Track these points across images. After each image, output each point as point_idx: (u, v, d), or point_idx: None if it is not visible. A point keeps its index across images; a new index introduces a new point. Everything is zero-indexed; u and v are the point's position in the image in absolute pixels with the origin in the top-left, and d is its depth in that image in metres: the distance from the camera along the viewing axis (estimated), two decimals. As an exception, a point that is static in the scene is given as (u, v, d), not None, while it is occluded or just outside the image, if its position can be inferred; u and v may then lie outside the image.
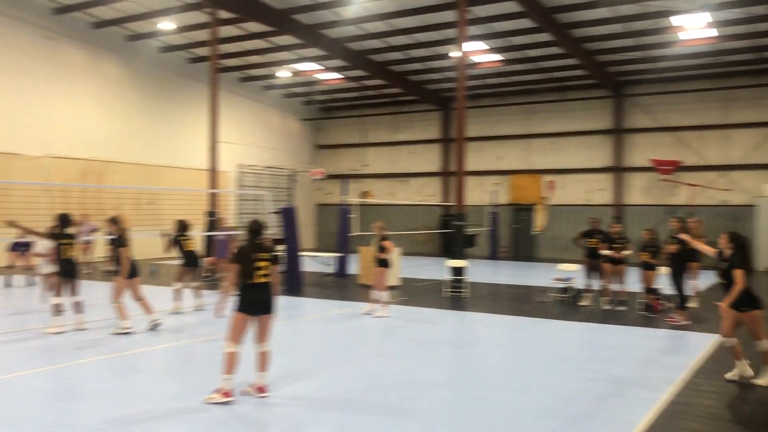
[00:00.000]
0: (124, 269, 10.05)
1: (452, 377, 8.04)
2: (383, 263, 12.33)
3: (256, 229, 6.93)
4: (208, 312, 12.52)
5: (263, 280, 6.73)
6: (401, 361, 8.56)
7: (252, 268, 6.66)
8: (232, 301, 6.77)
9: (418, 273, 21.25)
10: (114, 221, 10.25)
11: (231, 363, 6.55)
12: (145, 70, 26.48)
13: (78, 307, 10.36)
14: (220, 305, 6.94)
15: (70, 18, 23.15)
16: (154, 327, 10.34)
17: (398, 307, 13.53)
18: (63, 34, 23.16)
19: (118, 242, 10.12)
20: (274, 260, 6.91)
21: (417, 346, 9.56)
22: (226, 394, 6.47)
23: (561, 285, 14.86)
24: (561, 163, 30.46)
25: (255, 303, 6.69)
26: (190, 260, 12.72)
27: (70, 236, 10.44)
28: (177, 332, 10.51)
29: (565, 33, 22.31)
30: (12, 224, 10.95)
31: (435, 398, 6.88)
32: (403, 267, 19.57)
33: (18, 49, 21.72)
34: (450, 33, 22.42)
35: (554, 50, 24.44)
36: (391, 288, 16.45)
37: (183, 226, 12.82)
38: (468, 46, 21.11)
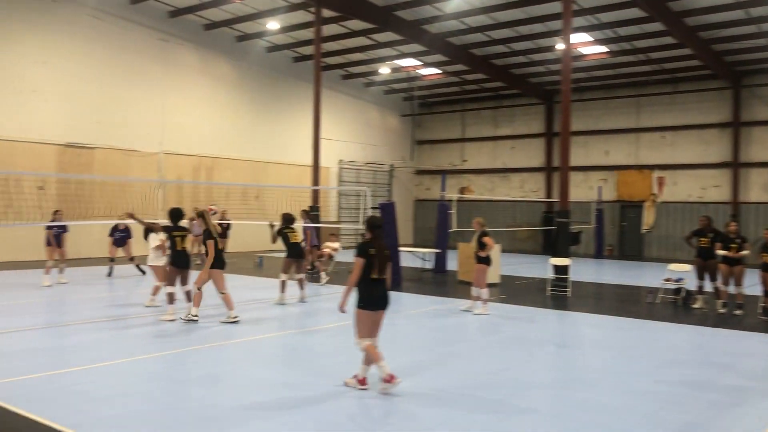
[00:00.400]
0: (209, 260, 10.35)
1: (554, 377, 7.83)
2: (483, 260, 12.09)
3: (377, 224, 6.89)
4: (311, 303, 12.83)
5: (383, 276, 6.76)
6: (502, 359, 8.43)
7: (373, 263, 6.67)
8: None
9: (519, 271, 20.87)
10: (200, 215, 10.61)
11: (373, 353, 6.62)
12: (252, 69, 27.43)
13: (189, 296, 10.87)
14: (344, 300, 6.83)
15: (183, 20, 24.32)
16: (231, 322, 10.39)
17: (498, 304, 13.35)
18: (177, 36, 24.36)
19: (206, 235, 10.42)
20: (390, 257, 6.94)
21: (518, 345, 9.38)
22: (362, 382, 6.73)
23: (672, 286, 14.16)
24: (672, 159, 29.00)
25: (379, 298, 6.72)
26: (295, 253, 13.02)
27: (183, 229, 10.95)
28: (282, 322, 10.83)
29: (678, 22, 21.21)
30: (131, 216, 11.65)
31: (537, 398, 6.72)
32: (504, 264, 19.28)
33: (136, 51, 23.05)
34: (555, 25, 21.85)
35: (666, 40, 23.29)
36: (491, 285, 16.26)
37: (289, 220, 13.20)
38: (573, 37, 20.47)
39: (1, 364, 7.59)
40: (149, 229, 11.40)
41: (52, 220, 14.76)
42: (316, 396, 6.56)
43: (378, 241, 6.79)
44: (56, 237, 14.79)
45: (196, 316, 10.39)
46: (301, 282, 13.22)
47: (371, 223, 6.89)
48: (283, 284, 12.80)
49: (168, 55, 24.14)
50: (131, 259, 16.55)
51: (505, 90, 32.67)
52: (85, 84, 21.68)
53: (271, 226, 13.06)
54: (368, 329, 6.71)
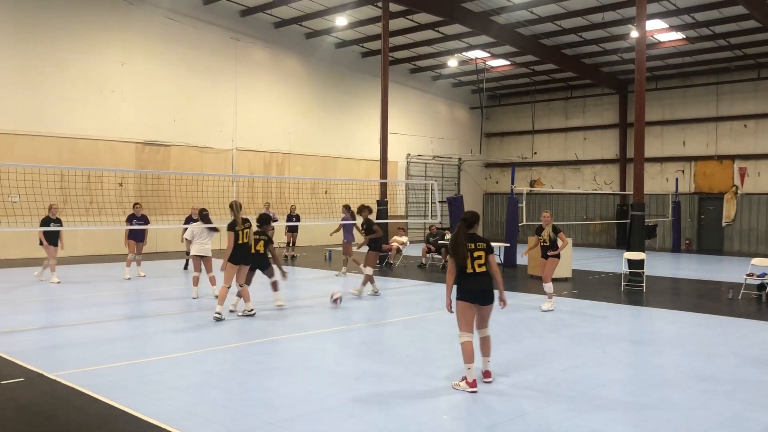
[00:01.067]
0: (227, 252, 10.32)
1: (629, 375, 7.59)
2: (556, 255, 11.82)
3: (469, 219, 6.92)
4: (386, 295, 12.89)
5: (480, 269, 6.77)
6: (574, 356, 8.24)
7: (465, 257, 6.73)
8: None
9: (592, 265, 20.36)
10: (231, 207, 10.68)
11: (468, 352, 6.62)
12: (321, 65, 27.75)
13: (274, 286, 11.21)
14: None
15: (254, 19, 24.82)
16: (246, 315, 10.50)
17: (570, 299, 13.06)
18: (248, 34, 24.89)
19: (230, 226, 10.43)
20: (490, 250, 6.91)
21: (591, 341, 9.15)
22: (471, 384, 6.52)
23: (755, 281, 13.52)
24: (755, 148, 27.64)
25: (472, 291, 6.74)
26: (378, 246, 13.50)
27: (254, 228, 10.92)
28: (354, 314, 10.92)
29: (761, 4, 20.18)
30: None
31: (611, 396, 6.53)
32: (576, 259, 18.86)
33: (209, 49, 23.68)
34: (629, 12, 21.20)
35: (748, 24, 22.21)
36: (563, 280, 15.93)
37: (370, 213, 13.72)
38: (648, 24, 19.77)
39: (85, 353, 7.96)
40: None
41: (133, 214, 15.29)
42: (421, 389, 6.58)
43: (469, 236, 6.82)
44: (136, 231, 15.25)
45: (251, 310, 10.61)
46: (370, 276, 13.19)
47: (463, 218, 6.97)
48: (369, 278, 12.91)
49: (239, 53, 24.69)
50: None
51: (577, 80, 31.91)
52: (161, 83, 22.44)
53: (364, 224, 13.48)
54: (466, 322, 6.74)
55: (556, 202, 33.37)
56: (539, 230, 12.04)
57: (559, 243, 11.76)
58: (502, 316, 11.07)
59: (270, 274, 11.26)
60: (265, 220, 11.00)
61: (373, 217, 14.23)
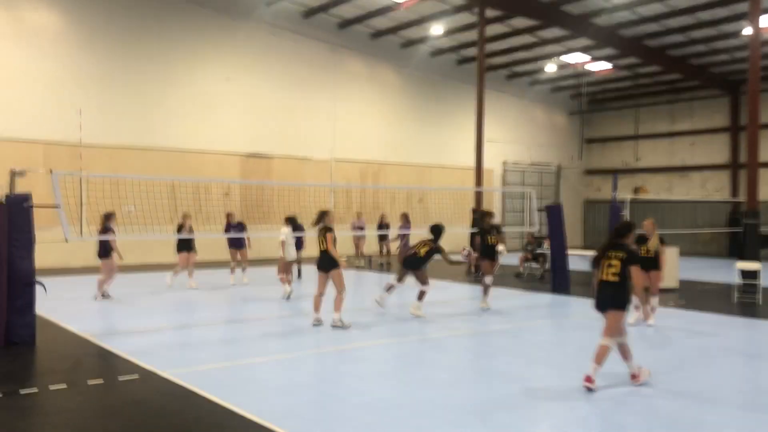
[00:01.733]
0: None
1: (743, 391, 7.16)
2: (656, 265, 10.90)
3: (618, 229, 7.35)
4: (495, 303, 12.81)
5: (611, 278, 7.04)
6: (682, 369, 7.87)
7: (601, 265, 7.16)
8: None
9: (701, 275, 19.35)
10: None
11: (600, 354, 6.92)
12: (416, 74, 27.94)
13: (421, 296, 11.50)
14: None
15: (351, 31, 25.34)
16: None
17: (678, 311, 12.48)
18: (345, 46, 25.44)
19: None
20: (629, 260, 7.01)
21: (700, 354, 8.71)
22: (588, 380, 6.78)
23: None
24: None
25: (596, 299, 7.17)
26: (491, 254, 12.57)
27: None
28: (457, 321, 10.90)
29: None
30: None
31: (723, 414, 6.19)
32: (684, 269, 17.98)
33: (308, 62, 24.38)
34: (741, 7, 20.08)
35: None
36: (670, 291, 15.23)
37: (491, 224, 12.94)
38: (763, 20, 18.67)
39: (193, 353, 8.37)
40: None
41: (228, 222, 15.79)
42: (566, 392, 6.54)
43: (612, 245, 7.27)
44: (235, 239, 15.70)
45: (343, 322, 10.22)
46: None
47: (615, 227, 7.51)
48: (487, 288, 12.41)
49: (337, 64, 25.26)
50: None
51: (683, 82, 30.51)
52: (264, 96, 23.30)
53: (492, 230, 12.78)
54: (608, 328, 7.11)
55: (662, 210, 31.90)
56: (641, 239, 10.89)
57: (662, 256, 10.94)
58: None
59: (423, 281, 11.46)
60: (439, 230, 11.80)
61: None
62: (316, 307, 10.32)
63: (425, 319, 11.04)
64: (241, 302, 13.29)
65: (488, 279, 12.42)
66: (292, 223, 13.83)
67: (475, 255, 12.75)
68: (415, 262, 11.66)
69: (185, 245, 14.92)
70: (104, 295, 13.19)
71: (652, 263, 10.82)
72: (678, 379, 7.32)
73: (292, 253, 13.61)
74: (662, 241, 11.03)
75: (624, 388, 6.90)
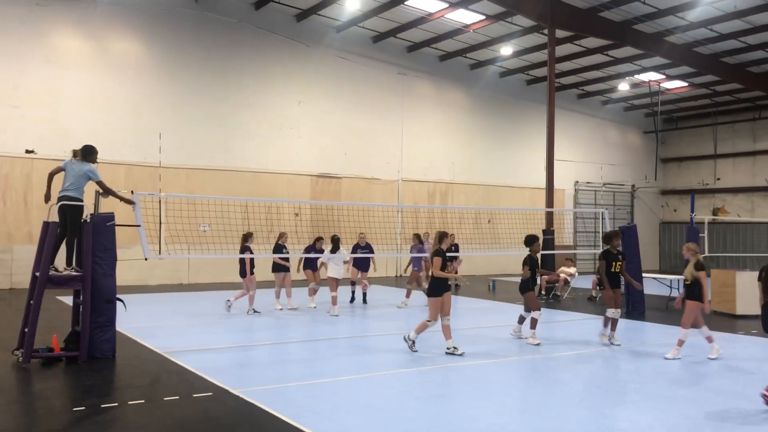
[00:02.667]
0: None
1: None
2: (696, 296, 9.71)
3: None
4: (554, 329, 12.54)
5: None
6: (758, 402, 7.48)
7: None
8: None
9: (786, 301, 18.37)
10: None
11: None
12: (484, 95, 27.88)
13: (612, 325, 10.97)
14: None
15: (420, 54, 25.57)
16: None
17: (761, 339, 11.90)
18: (414, 68, 25.67)
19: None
20: None
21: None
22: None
23: None
24: None
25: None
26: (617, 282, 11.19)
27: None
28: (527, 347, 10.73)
29: None
30: None
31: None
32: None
33: (377, 85, 24.71)
34: (826, 22, 19.22)
35: None
36: (746, 318, 14.53)
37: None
38: None
39: (266, 372, 8.54)
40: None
41: (312, 245, 15.22)
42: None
43: None
44: (312, 261, 15.25)
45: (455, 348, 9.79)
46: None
47: None
48: (607, 320, 11.08)
49: (406, 87, 25.50)
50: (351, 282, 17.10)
51: (765, 99, 29.29)
52: (334, 119, 23.72)
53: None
54: None
55: (743, 231, 30.62)
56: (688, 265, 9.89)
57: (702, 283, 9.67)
58: (684, 351, 10.34)
59: (528, 306, 11.22)
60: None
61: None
62: (447, 335, 9.76)
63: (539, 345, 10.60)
64: (311, 321, 13.46)
65: (611, 312, 10.86)
66: (334, 243, 14.12)
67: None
68: (520, 287, 11.34)
69: (282, 266, 14.62)
70: (256, 311, 13.94)
71: (689, 293, 9.79)
72: (763, 412, 6.96)
73: (332, 271, 14.01)
74: (700, 266, 9.75)
75: (703, 419, 6.60)
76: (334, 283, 14.06)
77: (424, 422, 6.42)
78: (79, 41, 19.38)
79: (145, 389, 7.60)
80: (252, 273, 13.88)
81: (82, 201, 9.19)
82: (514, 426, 6.36)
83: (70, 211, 9.07)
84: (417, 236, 16.38)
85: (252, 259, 13.92)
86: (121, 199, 9.54)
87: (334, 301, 14.00)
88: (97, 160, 9.56)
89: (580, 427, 6.34)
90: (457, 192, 26.87)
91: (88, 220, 9.25)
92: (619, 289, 11.06)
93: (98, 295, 9.15)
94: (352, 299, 16.22)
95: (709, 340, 9.84)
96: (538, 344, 10.56)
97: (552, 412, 6.92)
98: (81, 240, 9.28)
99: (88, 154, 9.33)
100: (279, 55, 22.59)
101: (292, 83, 22.93)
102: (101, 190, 9.53)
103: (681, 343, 9.69)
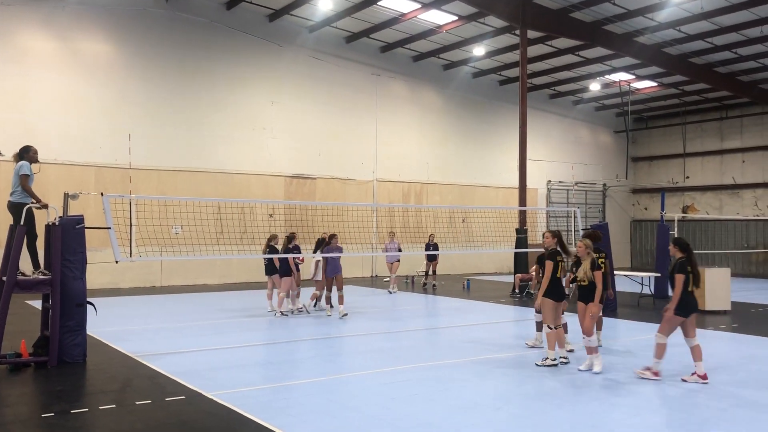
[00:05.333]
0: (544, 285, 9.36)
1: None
2: (591, 297, 8.93)
3: (683, 244, 8.33)
4: (528, 327, 12.62)
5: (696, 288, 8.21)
6: (735, 395, 7.62)
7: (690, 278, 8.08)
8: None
9: (754, 297, 18.77)
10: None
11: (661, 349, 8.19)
12: (458, 95, 28.00)
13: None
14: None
15: (394, 54, 25.59)
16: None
17: (730, 334, 12.12)
18: (387, 69, 25.68)
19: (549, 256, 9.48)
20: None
21: (752, 379, 8.42)
22: (656, 374, 8.13)
23: None
24: None
25: (693, 306, 8.22)
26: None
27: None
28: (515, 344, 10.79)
29: None
30: None
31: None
32: (736, 290, 17.50)
33: (351, 85, 24.68)
34: (791, 23, 19.65)
35: None
36: (720, 313, 14.81)
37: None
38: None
39: (239, 375, 8.47)
40: None
41: (291, 244, 14.44)
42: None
43: (692, 259, 8.23)
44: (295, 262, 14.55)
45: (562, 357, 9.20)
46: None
47: (682, 244, 8.35)
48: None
49: (379, 88, 25.50)
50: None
51: (732, 99, 29.87)
52: (307, 120, 23.63)
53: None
54: (672, 329, 8.24)
55: (713, 229, 31.18)
56: (576, 264, 9.21)
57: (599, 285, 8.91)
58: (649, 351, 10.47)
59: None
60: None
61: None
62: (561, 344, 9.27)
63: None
64: (288, 324, 13.39)
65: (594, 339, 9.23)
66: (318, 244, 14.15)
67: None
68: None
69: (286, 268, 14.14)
70: (283, 313, 13.84)
71: (587, 294, 8.95)
72: (731, 407, 7.09)
73: (318, 273, 14.01)
74: (595, 265, 8.93)
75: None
76: (330, 282, 13.91)
77: (400, 423, 6.43)
78: (47, 41, 19.03)
79: (117, 394, 7.50)
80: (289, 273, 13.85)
81: (25, 202, 9.15)
82: (489, 424, 6.39)
83: (15, 214, 9.10)
84: (393, 234, 17.56)
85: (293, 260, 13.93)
86: (36, 200, 9.32)
87: (328, 300, 14.05)
88: (38, 159, 9.57)
89: (559, 425, 6.40)
90: (431, 192, 26.95)
91: (57, 223, 9.10)
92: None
93: (68, 299, 9.01)
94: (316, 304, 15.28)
95: (589, 351, 8.74)
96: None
97: (528, 410, 6.98)
98: (34, 241, 9.36)
99: (23, 152, 9.42)
100: (251, 56, 22.44)
101: (265, 84, 22.80)
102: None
103: (593, 350, 8.71)
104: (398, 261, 19.50)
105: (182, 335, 11.59)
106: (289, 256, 13.84)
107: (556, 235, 9.52)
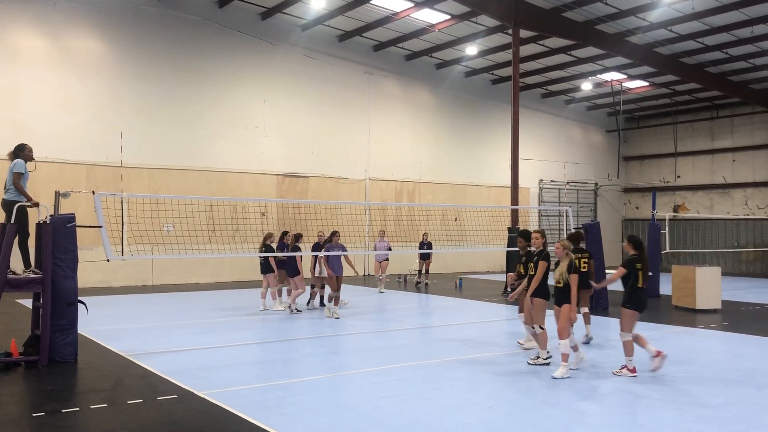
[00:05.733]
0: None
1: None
2: (567, 299, 8.59)
3: (637, 242, 8.66)
4: (518, 324, 12.64)
5: (645, 285, 8.55)
6: (726, 393, 7.67)
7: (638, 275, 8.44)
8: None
9: (745, 296, 18.88)
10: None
11: (642, 340, 8.51)
12: (450, 94, 28.02)
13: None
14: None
15: (386, 53, 25.58)
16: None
17: (720, 332, 12.19)
18: (380, 68, 25.67)
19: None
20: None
21: (746, 378, 8.48)
22: (633, 371, 8.35)
23: None
24: None
25: (644, 302, 8.56)
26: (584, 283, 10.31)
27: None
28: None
29: None
30: None
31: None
32: (726, 289, 17.60)
33: (344, 84, 24.66)
34: (781, 23, 19.78)
35: None
36: (710, 312, 14.89)
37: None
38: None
39: (232, 374, 8.46)
40: None
41: (297, 244, 14.41)
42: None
43: (643, 257, 8.58)
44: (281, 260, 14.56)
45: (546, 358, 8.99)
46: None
47: (635, 241, 8.69)
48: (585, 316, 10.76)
49: (372, 86, 25.49)
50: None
51: (723, 99, 30.03)
52: (300, 118, 23.59)
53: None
54: (633, 325, 8.44)
55: (703, 228, 31.34)
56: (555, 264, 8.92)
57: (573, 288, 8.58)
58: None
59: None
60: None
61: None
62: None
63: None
64: (279, 322, 13.37)
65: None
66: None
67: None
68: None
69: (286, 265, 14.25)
70: (297, 309, 14.03)
71: (563, 296, 8.62)
72: (721, 405, 7.13)
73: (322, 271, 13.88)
74: (572, 267, 8.62)
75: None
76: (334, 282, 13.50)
77: (393, 421, 6.43)
78: (38, 39, 18.92)
79: (108, 393, 7.47)
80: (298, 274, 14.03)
81: (18, 201, 9.15)
82: (481, 423, 6.40)
83: (9, 212, 9.08)
84: (383, 232, 17.67)
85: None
86: (27, 198, 9.28)
87: (336, 301, 13.56)
88: (33, 157, 9.57)
89: (552, 423, 6.43)
90: (424, 191, 26.96)
91: (48, 221, 9.05)
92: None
93: (59, 298, 8.96)
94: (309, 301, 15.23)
95: (564, 358, 8.31)
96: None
97: (520, 408, 6.99)
98: (26, 239, 9.36)
99: (18, 151, 9.45)
100: (244, 54, 22.38)
101: (258, 82, 22.74)
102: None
103: (567, 357, 8.35)
104: (387, 260, 19.20)
105: (174, 334, 11.56)
106: (297, 254, 13.93)
107: (545, 235, 9.42)
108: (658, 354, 8.39)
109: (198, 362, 9.19)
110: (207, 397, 7.13)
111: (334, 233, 13.70)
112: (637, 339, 8.49)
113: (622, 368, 8.49)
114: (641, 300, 8.55)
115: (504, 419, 6.56)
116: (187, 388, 7.55)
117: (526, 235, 9.91)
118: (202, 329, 12.17)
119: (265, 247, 14.22)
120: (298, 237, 14.28)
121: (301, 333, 11.88)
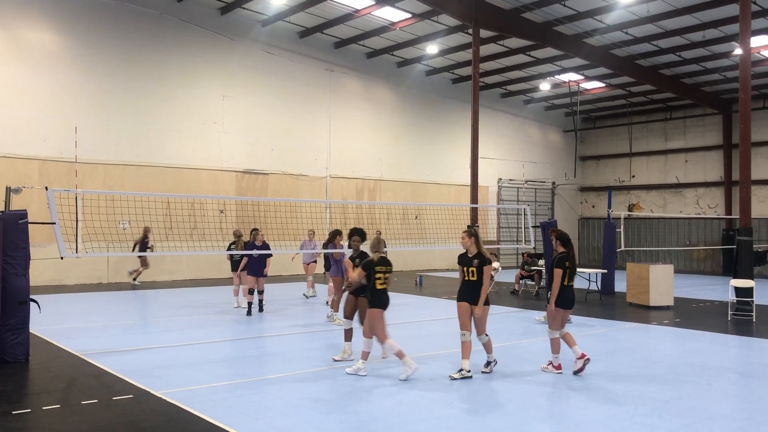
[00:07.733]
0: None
1: (738, 409, 7.18)
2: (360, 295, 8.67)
3: (565, 239, 8.74)
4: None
5: (571, 282, 8.63)
6: (676, 387, 7.89)
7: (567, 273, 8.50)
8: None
9: (695, 293, 19.41)
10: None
11: (569, 339, 8.55)
12: (411, 93, 28.11)
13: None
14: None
15: (348, 50, 25.53)
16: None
17: (672, 328, 12.52)
18: (341, 65, 25.60)
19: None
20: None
21: (694, 372, 8.73)
22: (558, 368, 8.50)
23: None
24: None
25: (569, 300, 8.54)
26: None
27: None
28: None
29: None
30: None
31: (719, 431, 6.21)
32: (678, 286, 18.07)
33: (305, 81, 24.52)
34: (731, 29, 20.40)
35: None
36: (663, 309, 15.27)
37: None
38: (754, 41, 18.93)
39: (190, 373, 8.35)
40: None
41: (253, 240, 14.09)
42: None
43: (571, 255, 8.61)
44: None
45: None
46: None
47: (564, 238, 8.73)
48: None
49: (333, 84, 25.41)
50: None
51: (676, 101, 30.82)
52: (260, 115, 23.39)
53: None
54: (560, 323, 8.52)
55: (657, 226, 32.14)
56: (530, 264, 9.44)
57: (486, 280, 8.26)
58: (600, 343, 10.76)
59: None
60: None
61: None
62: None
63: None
64: (237, 321, 13.25)
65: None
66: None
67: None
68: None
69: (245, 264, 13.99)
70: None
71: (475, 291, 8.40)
72: (673, 399, 7.33)
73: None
74: (484, 260, 8.23)
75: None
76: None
77: (350, 418, 6.44)
78: (-12, 29, 18.35)
79: (61, 393, 7.30)
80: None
81: None
82: (437, 420, 6.46)
83: None
84: (312, 232, 16.52)
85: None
86: None
87: (336, 306, 12.31)
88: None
89: (493, 425, 6.51)
90: (384, 189, 27.01)
91: (-2, 218, 8.80)
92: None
93: (10, 296, 8.72)
94: (249, 312, 13.68)
95: (400, 355, 8.14)
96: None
97: (477, 404, 7.07)
98: None
99: None
100: (202, 49, 22.07)
101: (216, 77, 22.46)
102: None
103: (366, 355, 8.31)
104: (315, 262, 17.13)
105: (130, 333, 11.35)
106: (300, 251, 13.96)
107: (473, 234, 8.37)
108: (583, 356, 8.34)
109: (154, 361, 9.05)
110: (164, 397, 7.03)
111: (336, 232, 12.80)
112: (565, 338, 8.52)
113: (548, 364, 8.65)
114: (568, 298, 8.53)
115: (462, 416, 6.60)
116: (143, 387, 7.43)
117: (362, 233, 9.37)
118: (159, 327, 11.99)
119: (237, 245, 14.38)
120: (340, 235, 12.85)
121: (259, 331, 11.78)
